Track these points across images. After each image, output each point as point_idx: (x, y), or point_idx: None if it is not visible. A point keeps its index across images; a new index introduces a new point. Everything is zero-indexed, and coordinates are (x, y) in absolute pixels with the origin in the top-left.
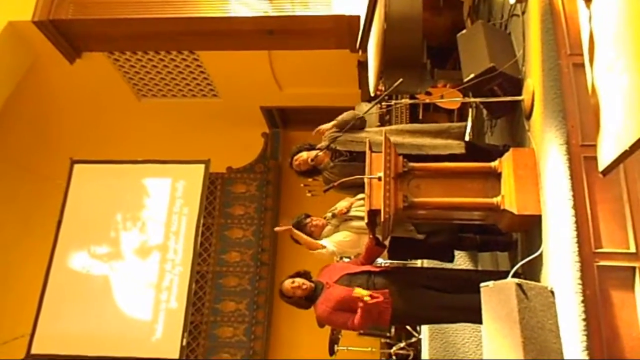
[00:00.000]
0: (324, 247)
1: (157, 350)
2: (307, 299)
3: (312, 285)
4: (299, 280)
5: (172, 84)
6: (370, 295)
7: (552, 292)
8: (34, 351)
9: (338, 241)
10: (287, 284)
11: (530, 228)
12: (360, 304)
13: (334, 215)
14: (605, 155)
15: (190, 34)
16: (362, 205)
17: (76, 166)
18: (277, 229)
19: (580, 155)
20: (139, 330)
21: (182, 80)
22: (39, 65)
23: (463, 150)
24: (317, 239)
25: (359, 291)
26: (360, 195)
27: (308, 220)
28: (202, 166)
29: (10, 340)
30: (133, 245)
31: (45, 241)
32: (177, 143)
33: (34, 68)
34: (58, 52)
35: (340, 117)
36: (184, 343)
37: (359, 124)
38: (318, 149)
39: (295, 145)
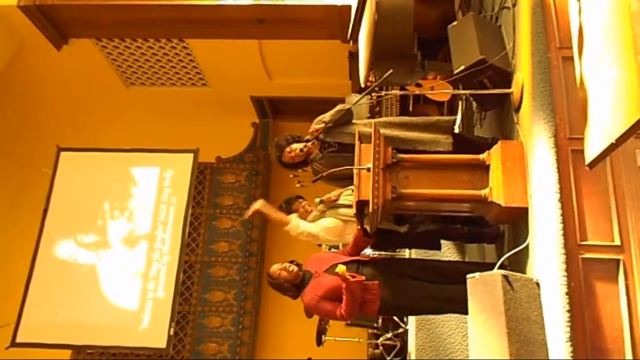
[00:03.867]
0: (292, 221)
1: (145, 340)
2: (295, 287)
3: (299, 271)
4: (286, 264)
5: (161, 72)
6: (352, 275)
7: (538, 284)
8: (19, 340)
9: (323, 227)
10: (275, 266)
11: (517, 220)
12: (343, 285)
13: (322, 202)
14: (592, 148)
15: (180, 22)
16: (351, 194)
17: (63, 154)
18: (246, 213)
19: (568, 148)
20: (126, 319)
21: (172, 68)
22: (25, 51)
23: (450, 148)
24: None
25: (341, 268)
26: (351, 187)
27: (300, 200)
28: (191, 155)
29: None
30: (120, 234)
31: (31, 229)
32: (165, 132)
33: (20, 54)
34: (44, 38)
35: (330, 114)
36: (172, 333)
37: (348, 117)
38: (306, 140)
39: (280, 138)
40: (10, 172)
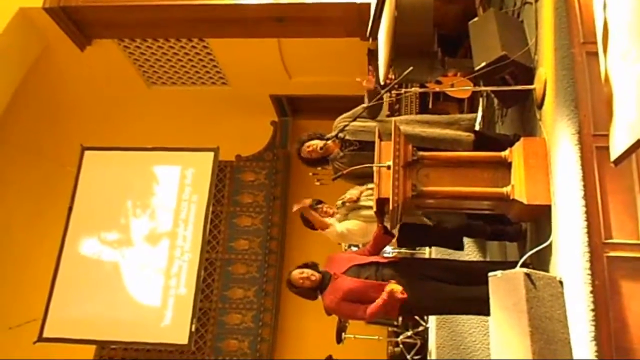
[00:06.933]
0: (333, 225)
1: (166, 336)
2: (315, 290)
3: (320, 276)
4: (307, 271)
5: (181, 71)
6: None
7: (561, 282)
8: (45, 335)
9: (347, 229)
10: (296, 274)
11: (539, 218)
12: (384, 296)
13: (343, 204)
14: (617, 145)
15: (200, 21)
16: (372, 195)
17: (87, 153)
18: (295, 208)
19: (592, 145)
20: (149, 316)
21: (192, 67)
22: (50, 52)
23: (471, 147)
24: None
25: (397, 288)
26: (370, 185)
27: (320, 205)
28: (212, 154)
29: (22, 324)
30: (143, 231)
31: (56, 227)
32: (186, 131)
33: (45, 55)
34: (68, 38)
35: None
36: (193, 329)
37: (374, 111)
38: (327, 138)
39: (305, 133)
40: (36, 170)
